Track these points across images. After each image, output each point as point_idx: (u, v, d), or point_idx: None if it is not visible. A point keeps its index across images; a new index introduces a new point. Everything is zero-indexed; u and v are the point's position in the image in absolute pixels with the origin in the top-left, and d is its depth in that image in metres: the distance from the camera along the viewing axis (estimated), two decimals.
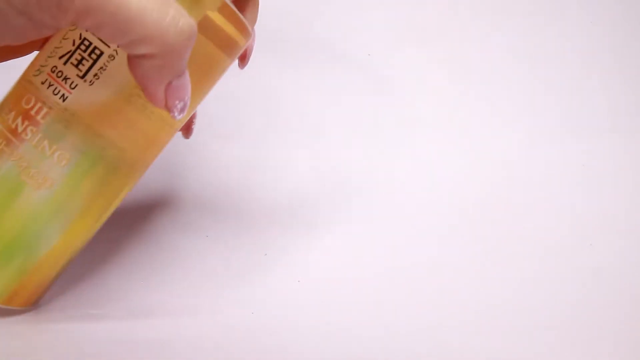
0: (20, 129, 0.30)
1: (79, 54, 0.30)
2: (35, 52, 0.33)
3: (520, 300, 0.37)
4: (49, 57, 0.30)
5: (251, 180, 0.47)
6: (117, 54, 0.29)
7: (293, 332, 0.35)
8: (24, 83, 0.31)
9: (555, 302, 0.37)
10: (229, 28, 0.31)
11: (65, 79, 0.30)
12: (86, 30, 0.28)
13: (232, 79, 0.50)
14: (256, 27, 0.34)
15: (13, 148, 0.30)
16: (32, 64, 0.31)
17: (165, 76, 0.27)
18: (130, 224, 0.44)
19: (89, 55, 0.30)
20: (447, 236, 0.44)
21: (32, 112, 0.30)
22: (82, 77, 0.29)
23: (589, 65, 0.52)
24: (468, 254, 0.42)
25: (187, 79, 0.28)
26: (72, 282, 0.38)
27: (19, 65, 0.32)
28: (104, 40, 0.29)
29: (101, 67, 0.29)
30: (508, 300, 0.37)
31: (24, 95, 0.30)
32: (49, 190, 0.30)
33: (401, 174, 0.48)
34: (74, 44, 0.30)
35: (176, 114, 0.29)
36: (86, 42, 0.30)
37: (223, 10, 0.30)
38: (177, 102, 0.28)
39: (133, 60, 0.27)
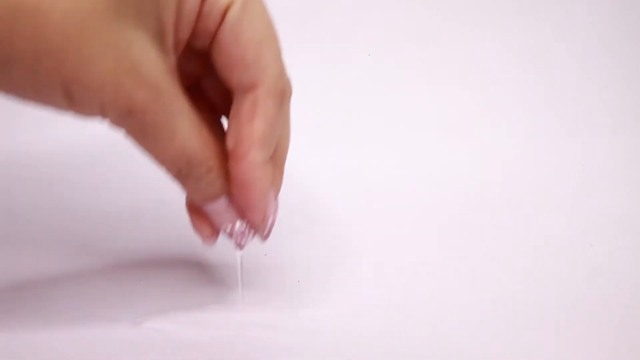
0: None
1: None
2: None
3: (519, 300, 0.37)
4: None
5: None
6: None
7: (293, 332, 0.35)
8: None
9: (555, 302, 0.37)
10: None
11: None
12: None
13: None
14: None
15: None
16: None
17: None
18: (130, 224, 0.44)
19: None
20: (446, 236, 0.44)
21: None
22: None
23: (589, 65, 0.52)
24: (466, 254, 0.42)
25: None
26: (72, 283, 0.38)
27: None
28: None
29: None
30: (507, 300, 0.37)
31: None
32: None
33: (401, 173, 0.48)
34: None
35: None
36: None
37: None
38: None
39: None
